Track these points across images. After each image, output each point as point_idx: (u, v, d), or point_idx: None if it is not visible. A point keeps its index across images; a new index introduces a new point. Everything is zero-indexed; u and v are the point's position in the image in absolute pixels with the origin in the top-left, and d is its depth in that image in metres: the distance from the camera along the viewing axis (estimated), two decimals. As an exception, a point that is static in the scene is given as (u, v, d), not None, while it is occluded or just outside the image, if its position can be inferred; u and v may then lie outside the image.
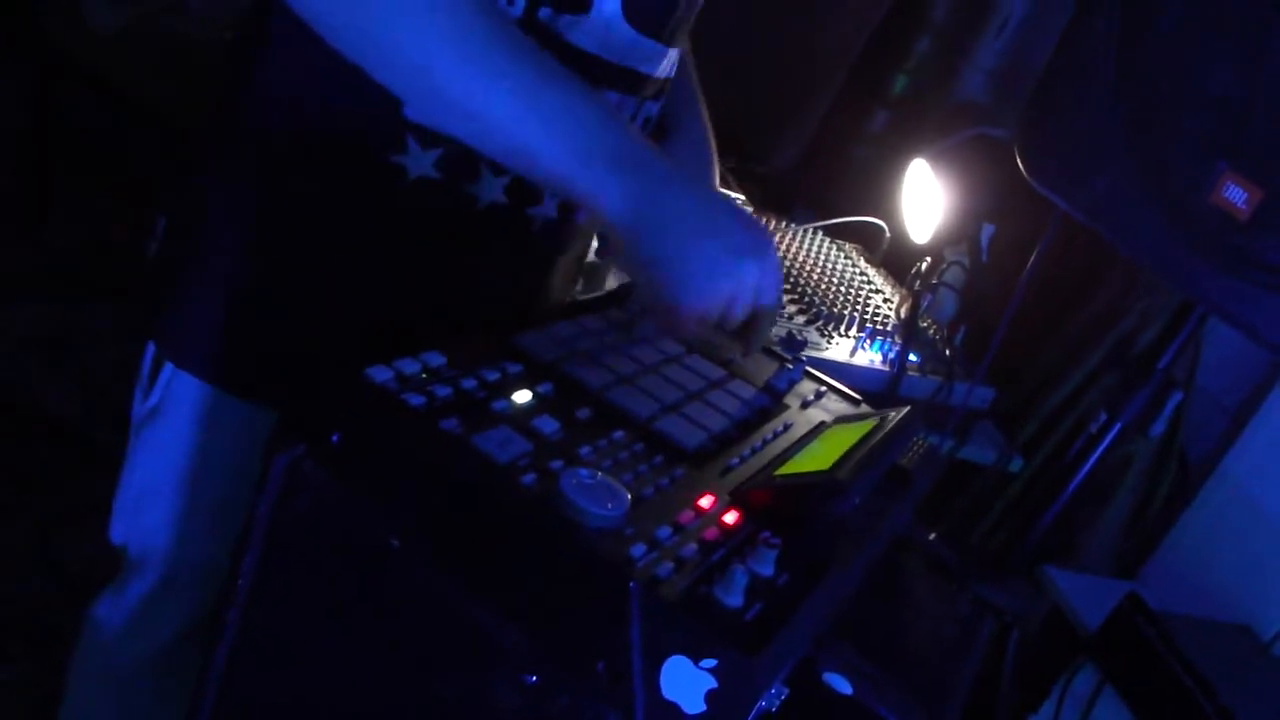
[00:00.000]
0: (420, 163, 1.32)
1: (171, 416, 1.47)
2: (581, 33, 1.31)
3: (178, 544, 1.52)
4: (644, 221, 1.18)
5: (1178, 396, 2.19)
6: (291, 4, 1.14)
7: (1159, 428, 2.46)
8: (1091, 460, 2.23)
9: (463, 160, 1.32)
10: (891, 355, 2.32)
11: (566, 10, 1.28)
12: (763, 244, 1.28)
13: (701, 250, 1.22)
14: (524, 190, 1.39)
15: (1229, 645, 2.44)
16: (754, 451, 1.24)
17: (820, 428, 1.37)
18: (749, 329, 1.38)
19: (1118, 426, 2.17)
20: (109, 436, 1.60)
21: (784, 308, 1.44)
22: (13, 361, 3.47)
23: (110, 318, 3.66)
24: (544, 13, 1.27)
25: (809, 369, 1.54)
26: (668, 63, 1.45)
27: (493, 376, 1.15)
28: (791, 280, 2.49)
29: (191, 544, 1.52)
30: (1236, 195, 1.65)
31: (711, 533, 1.03)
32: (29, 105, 4.04)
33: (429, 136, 1.30)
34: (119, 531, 1.57)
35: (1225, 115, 1.67)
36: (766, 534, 1.03)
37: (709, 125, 1.67)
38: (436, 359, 1.14)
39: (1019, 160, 1.97)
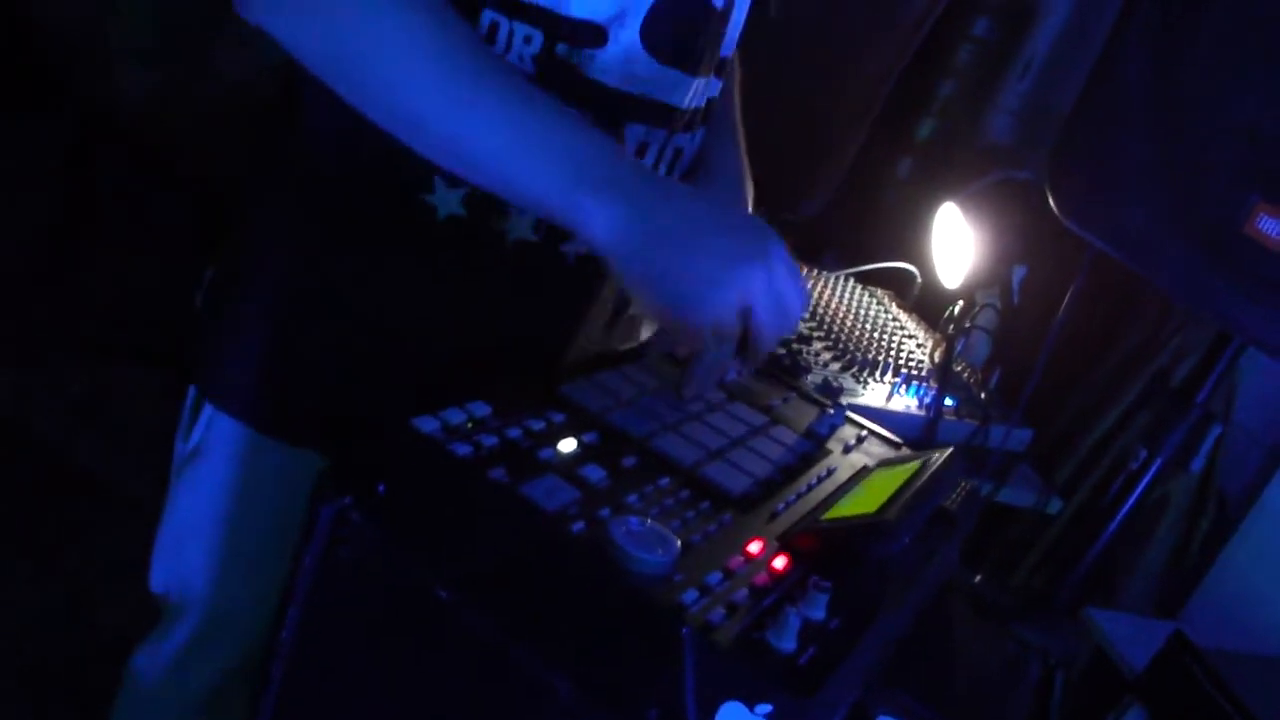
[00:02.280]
0: (448, 201, 1.33)
1: (211, 458, 1.47)
2: (601, 66, 1.31)
3: (218, 587, 1.51)
4: (635, 241, 1.16)
5: (1217, 430, 2.18)
6: (280, 39, 1.15)
7: (1199, 463, 2.45)
8: (1133, 498, 2.21)
9: (489, 197, 1.31)
10: (927, 400, 2.32)
11: (585, 45, 1.29)
12: (765, 248, 1.22)
13: (695, 261, 1.18)
14: (554, 226, 1.37)
15: (1278, 681, 2.42)
16: (799, 496, 1.24)
17: (863, 472, 1.36)
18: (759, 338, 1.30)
19: (1158, 462, 2.16)
20: (145, 493, 1.61)
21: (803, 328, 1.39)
22: (49, 418, 3.49)
23: (145, 376, 3.68)
24: (561, 48, 1.28)
25: (850, 414, 1.54)
26: (695, 93, 1.44)
27: (538, 426, 1.15)
28: (825, 328, 2.49)
29: (232, 587, 1.51)
30: (1270, 226, 1.64)
31: (761, 578, 1.03)
32: (63, 166, 4.07)
33: (454, 175, 1.30)
34: (159, 578, 1.57)
35: (1257, 146, 1.67)
36: (816, 578, 1.02)
37: (745, 163, 1.64)
38: (482, 409, 1.13)
39: (1049, 197, 1.97)
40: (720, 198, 1.37)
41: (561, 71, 1.29)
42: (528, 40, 1.26)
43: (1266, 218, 1.65)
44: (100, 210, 4.21)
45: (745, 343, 1.28)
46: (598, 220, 1.15)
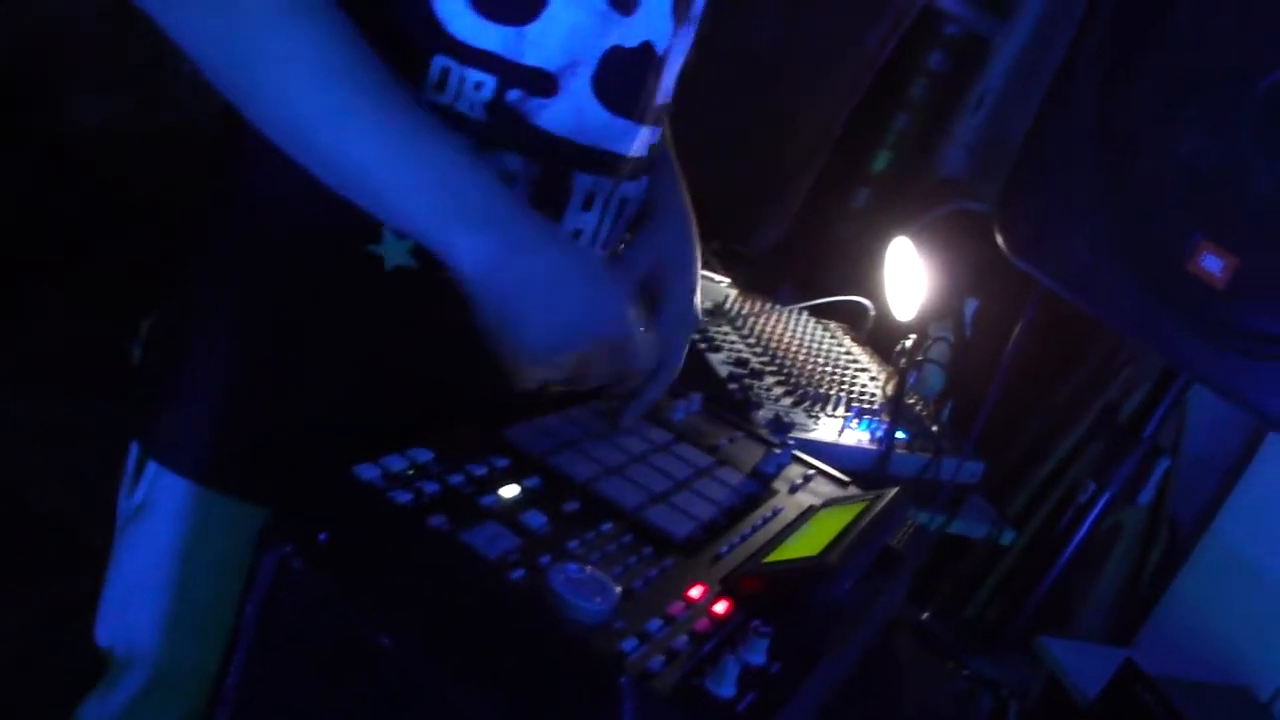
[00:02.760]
0: (396, 251, 1.32)
1: (156, 515, 1.45)
2: (552, 115, 1.31)
3: (165, 644, 1.49)
4: (494, 280, 1.18)
5: (1165, 463, 2.19)
6: (164, 24, 1.12)
7: (1147, 495, 2.46)
8: (1082, 531, 2.23)
9: None
10: (879, 433, 2.32)
11: (537, 93, 1.29)
12: (618, 312, 1.27)
13: (547, 312, 1.22)
14: None
15: (1228, 707, 2.44)
16: (743, 539, 1.24)
17: (809, 512, 1.37)
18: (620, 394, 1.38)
19: (1106, 496, 2.18)
20: (96, 534, 1.59)
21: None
22: (3, 454, 3.45)
23: (97, 413, 3.64)
24: (512, 95, 1.28)
25: (797, 452, 1.54)
26: (641, 141, 1.44)
27: (480, 471, 1.15)
28: (777, 362, 2.49)
29: (179, 644, 1.49)
30: (1213, 264, 1.66)
31: (702, 623, 1.03)
32: (14, 198, 4.04)
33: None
34: (105, 633, 1.55)
35: (1199, 184, 1.68)
36: (757, 623, 1.03)
37: (690, 207, 1.66)
38: (423, 455, 1.13)
39: (998, 236, 1.98)
40: (590, 253, 1.38)
41: (512, 119, 1.29)
42: (478, 87, 1.26)
43: (1210, 255, 1.67)
44: (57, 240, 4.18)
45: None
46: (466, 250, 1.17)
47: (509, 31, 1.25)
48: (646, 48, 1.37)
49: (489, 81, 1.26)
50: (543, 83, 1.28)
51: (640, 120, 1.41)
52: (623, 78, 1.35)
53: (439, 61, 1.25)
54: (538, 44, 1.26)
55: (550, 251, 1.24)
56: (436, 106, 1.26)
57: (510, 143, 1.29)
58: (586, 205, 1.40)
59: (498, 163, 1.29)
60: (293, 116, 1.16)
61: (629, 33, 1.33)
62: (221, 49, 1.14)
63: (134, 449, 1.48)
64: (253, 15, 1.12)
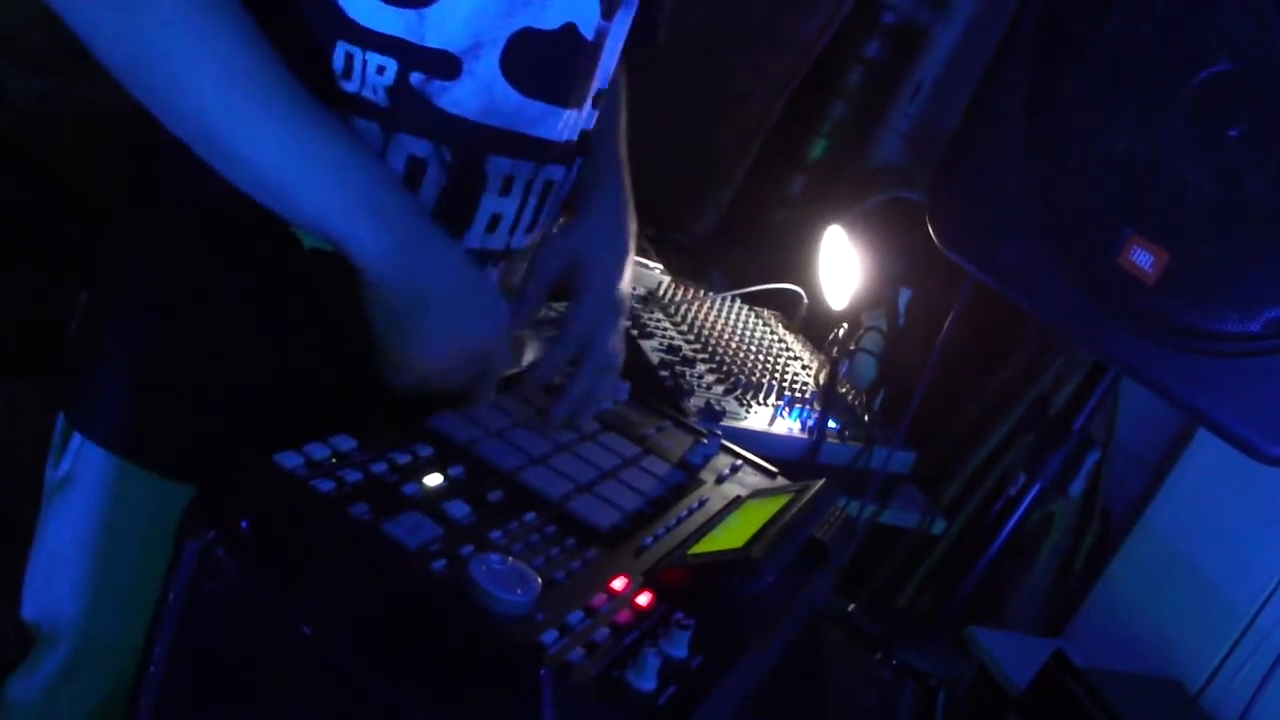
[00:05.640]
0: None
1: (80, 486, 1.45)
2: (455, 99, 1.30)
3: (88, 616, 1.49)
4: (392, 276, 1.21)
5: (1095, 455, 2.20)
6: (73, 24, 1.13)
7: (1078, 486, 2.48)
8: (1012, 521, 2.24)
9: None
10: (811, 422, 2.32)
11: (439, 75, 1.28)
12: (498, 324, 1.32)
13: (434, 318, 1.25)
14: None
15: (1157, 699, 2.46)
16: (668, 530, 1.24)
17: (736, 502, 1.36)
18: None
19: (1037, 487, 2.18)
20: (26, 514, 1.58)
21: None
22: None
23: (29, 394, 3.61)
24: (415, 78, 1.27)
25: (725, 442, 1.54)
26: (567, 125, 1.43)
27: (403, 459, 1.15)
28: (709, 349, 2.49)
29: (102, 618, 1.48)
30: (1143, 259, 1.67)
31: (624, 615, 1.03)
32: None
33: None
34: (30, 606, 1.54)
35: (1130, 179, 1.69)
36: (679, 615, 1.03)
37: (628, 194, 1.66)
38: (346, 442, 1.13)
39: (930, 227, 1.98)
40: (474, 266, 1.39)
41: (415, 103, 1.28)
42: (381, 71, 1.26)
43: (1139, 250, 1.67)
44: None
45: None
46: (369, 246, 1.19)
47: (409, 14, 1.24)
48: (569, 30, 1.36)
49: (390, 65, 1.26)
50: (445, 65, 1.28)
51: (563, 103, 1.40)
52: (538, 60, 1.34)
53: (341, 48, 1.25)
54: (438, 26, 1.26)
55: (444, 255, 1.27)
56: (344, 94, 1.26)
57: (415, 127, 1.29)
58: (504, 190, 1.40)
59: (404, 148, 1.30)
60: (197, 117, 1.16)
61: (543, 14, 1.32)
62: (126, 49, 1.14)
63: (60, 420, 1.47)
64: (157, 16, 1.12)
